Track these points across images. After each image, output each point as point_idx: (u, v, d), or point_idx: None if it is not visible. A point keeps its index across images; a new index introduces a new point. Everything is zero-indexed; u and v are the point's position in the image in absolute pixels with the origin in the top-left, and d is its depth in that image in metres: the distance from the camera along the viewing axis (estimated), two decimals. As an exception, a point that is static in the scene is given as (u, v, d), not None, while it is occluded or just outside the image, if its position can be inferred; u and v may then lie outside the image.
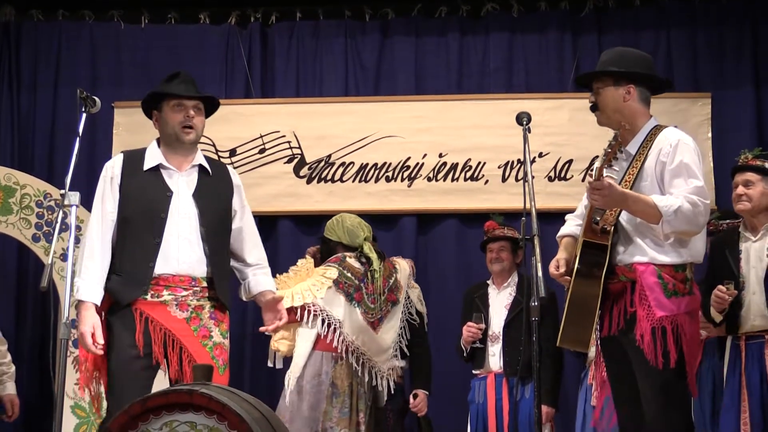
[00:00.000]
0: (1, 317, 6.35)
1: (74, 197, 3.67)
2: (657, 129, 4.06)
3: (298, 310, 5.01)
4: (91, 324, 3.88)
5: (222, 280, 4.15)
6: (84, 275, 3.93)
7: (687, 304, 3.92)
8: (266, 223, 6.83)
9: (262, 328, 4.37)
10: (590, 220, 3.95)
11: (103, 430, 3.25)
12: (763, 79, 6.79)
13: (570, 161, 6.66)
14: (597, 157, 4.26)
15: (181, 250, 4.04)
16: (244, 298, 4.39)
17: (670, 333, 3.83)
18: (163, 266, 4.01)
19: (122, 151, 4.19)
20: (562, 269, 4.07)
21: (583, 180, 6.63)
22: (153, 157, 4.13)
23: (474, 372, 5.71)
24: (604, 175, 3.85)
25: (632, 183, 3.95)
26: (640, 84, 4.08)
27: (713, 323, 4.99)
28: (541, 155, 6.66)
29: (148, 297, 3.98)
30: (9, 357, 5.53)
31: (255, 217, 6.65)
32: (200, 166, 4.19)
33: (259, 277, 4.31)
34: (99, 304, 3.93)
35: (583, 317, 3.92)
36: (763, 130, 6.69)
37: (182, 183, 4.13)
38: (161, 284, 4.00)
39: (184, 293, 4.03)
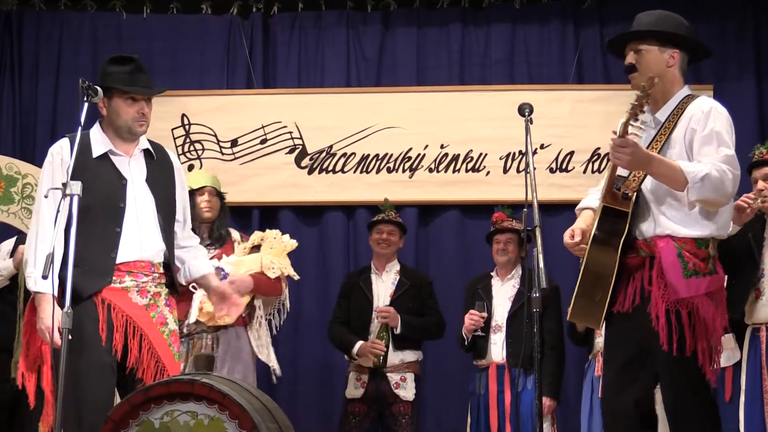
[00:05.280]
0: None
1: (76, 187, 3.64)
2: (689, 98, 3.88)
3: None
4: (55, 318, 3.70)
5: (173, 265, 4.13)
6: (39, 265, 3.71)
7: (708, 285, 3.71)
8: (267, 213, 6.85)
9: (218, 315, 4.24)
10: (611, 185, 3.75)
11: (105, 419, 3.26)
12: (765, 71, 6.78)
13: (571, 153, 6.65)
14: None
15: (143, 237, 3.99)
16: (183, 282, 4.26)
17: (686, 318, 3.65)
18: (125, 255, 3.94)
19: (66, 136, 4.05)
20: (578, 238, 3.87)
21: (584, 172, 6.63)
22: (100, 143, 4.05)
23: (475, 363, 5.71)
24: (629, 132, 3.63)
25: (659, 150, 3.76)
26: (683, 51, 3.93)
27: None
28: (542, 147, 6.65)
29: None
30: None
31: (256, 207, 6.80)
32: (146, 151, 4.16)
33: (199, 261, 4.24)
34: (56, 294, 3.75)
35: (597, 290, 3.76)
36: (765, 122, 6.69)
37: (134, 169, 4.07)
38: (122, 270, 3.94)
39: (144, 279, 3.99)
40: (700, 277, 3.70)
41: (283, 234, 5.32)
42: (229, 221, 5.51)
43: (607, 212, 3.76)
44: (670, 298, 3.68)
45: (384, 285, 5.88)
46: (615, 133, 3.66)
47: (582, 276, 3.79)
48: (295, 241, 5.25)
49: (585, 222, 3.96)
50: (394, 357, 5.67)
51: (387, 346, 5.63)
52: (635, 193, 3.77)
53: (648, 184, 3.79)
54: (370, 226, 6.04)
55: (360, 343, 5.67)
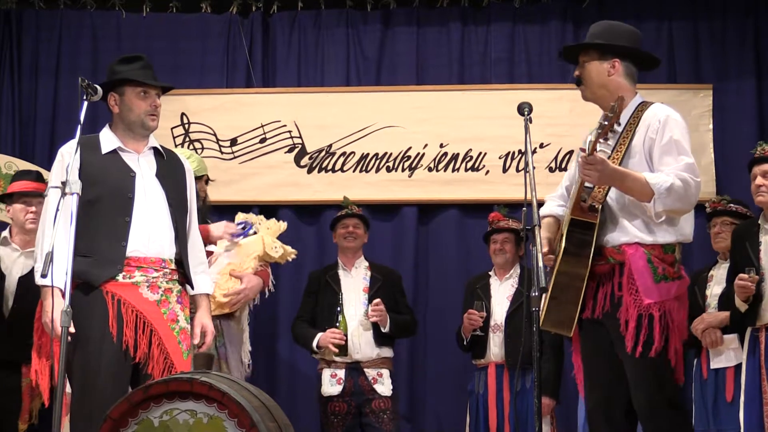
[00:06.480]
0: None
1: (76, 185, 3.66)
2: (644, 105, 3.96)
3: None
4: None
5: (187, 262, 4.14)
6: (42, 261, 3.70)
7: (677, 289, 3.82)
8: (266, 212, 6.80)
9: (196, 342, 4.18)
10: (579, 198, 3.82)
11: (104, 417, 3.26)
12: (765, 71, 6.78)
13: (571, 152, 6.65)
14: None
15: (152, 229, 4.02)
16: None
17: (657, 321, 3.74)
18: (134, 246, 3.96)
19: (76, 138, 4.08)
20: (545, 248, 3.93)
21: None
22: (109, 141, 4.12)
23: (474, 362, 5.72)
24: (598, 150, 3.70)
25: (620, 160, 3.83)
26: (626, 59, 3.98)
27: (738, 313, 4.93)
28: (541, 146, 6.66)
29: (120, 278, 3.93)
30: None
31: (255, 206, 6.79)
32: (155, 150, 4.20)
33: (198, 277, 4.23)
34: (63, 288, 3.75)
35: (568, 298, 3.84)
36: (764, 122, 6.69)
37: (143, 164, 4.12)
38: (132, 265, 3.96)
39: (155, 274, 4.01)
40: (669, 282, 3.81)
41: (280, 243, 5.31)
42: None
43: (575, 224, 3.83)
44: (643, 303, 3.75)
45: (354, 281, 5.84)
46: (583, 150, 3.72)
47: (553, 288, 3.85)
48: (284, 222, 5.30)
49: (549, 231, 4.06)
50: (372, 351, 5.64)
51: (346, 335, 5.61)
52: (601, 204, 3.84)
53: (613, 194, 3.86)
54: (333, 223, 6.01)
55: (319, 335, 5.65)
